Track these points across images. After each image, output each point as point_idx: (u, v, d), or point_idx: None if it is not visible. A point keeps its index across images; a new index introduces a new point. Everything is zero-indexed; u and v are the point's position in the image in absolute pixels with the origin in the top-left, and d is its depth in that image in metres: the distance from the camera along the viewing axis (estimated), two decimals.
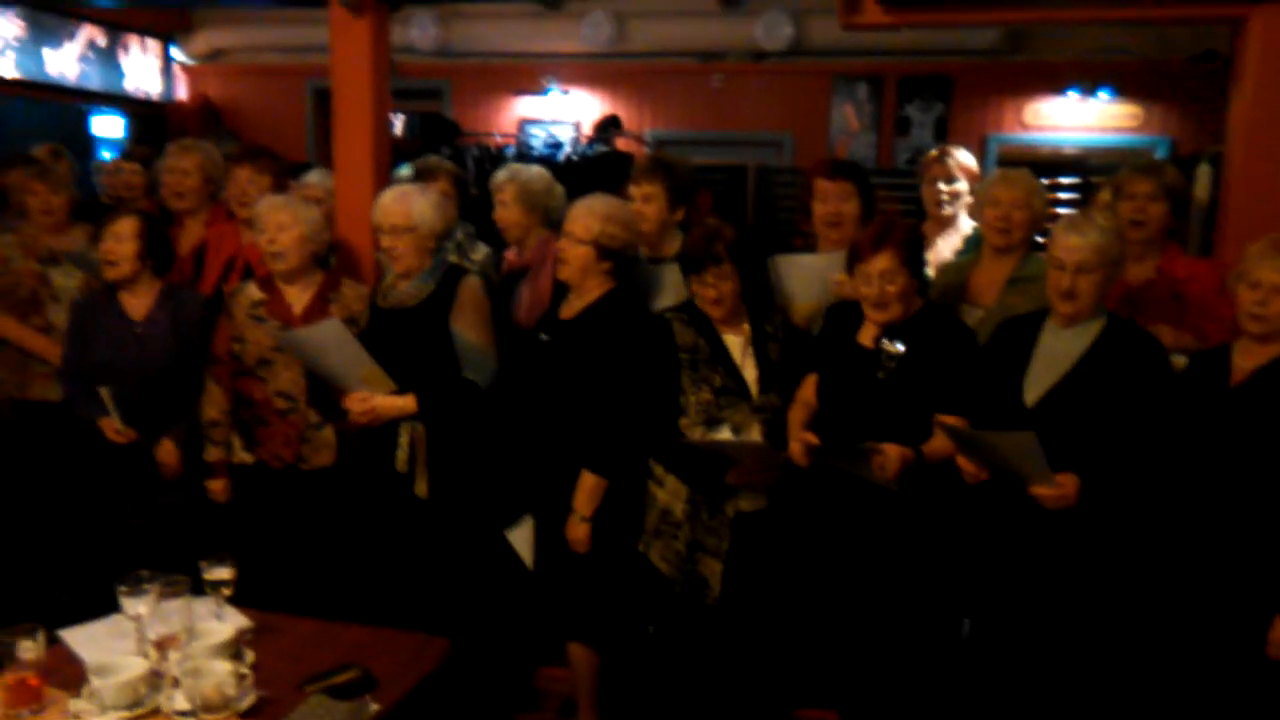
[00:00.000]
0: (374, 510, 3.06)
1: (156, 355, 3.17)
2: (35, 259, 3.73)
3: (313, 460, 3.08)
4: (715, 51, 7.60)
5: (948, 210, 3.35)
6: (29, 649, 1.84)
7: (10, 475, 3.60)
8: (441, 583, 2.99)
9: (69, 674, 1.95)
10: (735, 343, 2.73)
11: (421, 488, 2.95)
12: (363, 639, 2.19)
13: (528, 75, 7.95)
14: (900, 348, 2.54)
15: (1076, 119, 7.26)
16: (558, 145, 7.40)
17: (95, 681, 1.84)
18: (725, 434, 2.60)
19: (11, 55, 6.74)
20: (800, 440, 2.53)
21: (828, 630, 2.70)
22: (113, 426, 3.12)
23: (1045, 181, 3.04)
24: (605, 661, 2.94)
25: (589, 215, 2.78)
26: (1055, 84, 7.19)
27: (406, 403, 2.91)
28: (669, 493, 2.73)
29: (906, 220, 2.98)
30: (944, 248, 3.34)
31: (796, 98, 7.57)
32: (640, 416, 2.73)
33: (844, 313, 2.70)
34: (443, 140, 7.23)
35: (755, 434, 2.63)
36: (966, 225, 3.34)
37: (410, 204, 2.94)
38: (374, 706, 1.89)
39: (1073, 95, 7.16)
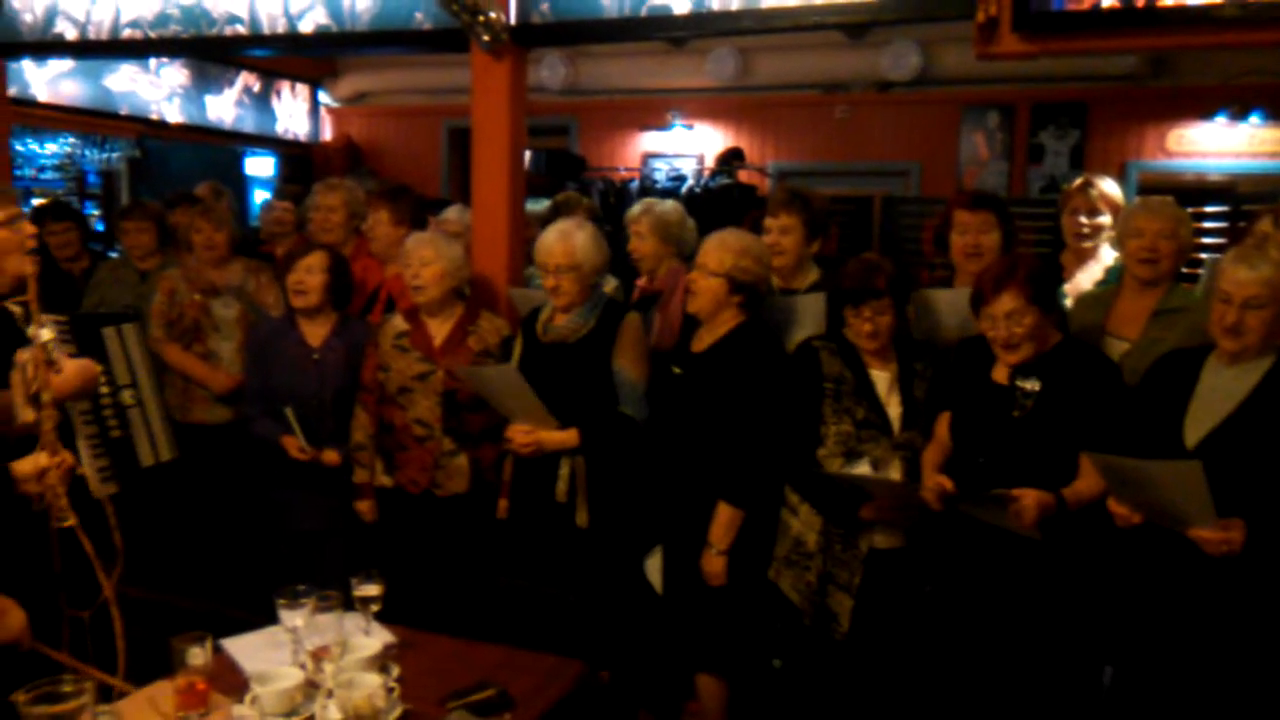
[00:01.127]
0: (518, 536, 3.13)
1: (332, 380, 3.34)
2: (199, 291, 4.00)
3: (447, 486, 3.19)
4: (840, 83, 7.58)
5: (1088, 244, 3.25)
6: (198, 655, 1.94)
7: (173, 492, 3.83)
8: (590, 608, 3.04)
9: (231, 681, 2.06)
10: (882, 378, 2.70)
11: (582, 518, 3.00)
12: (500, 659, 2.23)
13: (652, 110, 8.10)
14: (1036, 385, 2.47)
15: (1224, 144, 6.93)
16: (681, 178, 7.49)
17: (256, 689, 1.93)
18: (864, 468, 2.57)
19: (177, 102, 7.29)
20: (933, 485, 2.48)
21: (961, 674, 2.62)
22: (296, 445, 3.27)
23: (1190, 210, 2.91)
24: (734, 693, 2.93)
25: (721, 249, 2.80)
26: (1201, 109, 6.88)
27: (569, 437, 2.96)
28: (802, 522, 2.72)
29: (1031, 255, 2.90)
30: (1084, 280, 3.24)
31: (924, 127, 7.47)
32: (776, 449, 2.72)
33: (976, 348, 2.62)
34: (568, 175, 7.42)
35: (895, 471, 2.60)
36: (1108, 256, 3.22)
37: (573, 243, 2.98)
38: None
39: (1220, 120, 6.85)
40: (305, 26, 3.98)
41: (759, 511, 2.77)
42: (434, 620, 2.46)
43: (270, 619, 2.28)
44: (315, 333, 3.41)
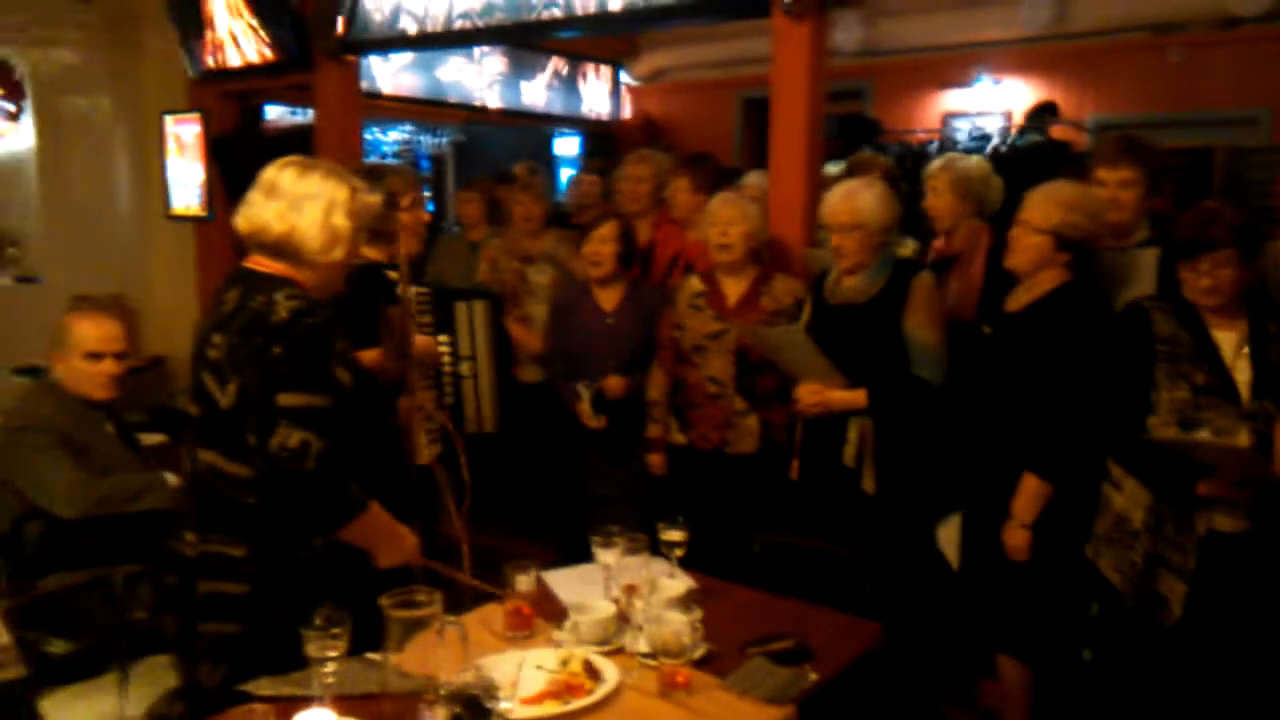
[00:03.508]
0: (806, 498, 3.13)
1: (625, 342, 3.55)
2: (517, 259, 4.35)
3: (737, 445, 3.26)
4: (1174, 23, 6.81)
5: None
6: (524, 582, 2.16)
7: (498, 446, 4.20)
8: (885, 574, 3.01)
9: (550, 609, 2.25)
10: (1227, 339, 2.42)
11: (869, 483, 2.97)
12: (798, 612, 2.27)
13: (954, 67, 7.70)
14: None
15: None
16: (985, 138, 7.07)
17: (575, 617, 2.09)
18: (1204, 436, 2.33)
19: (496, 89, 7.88)
20: None
21: None
22: (587, 414, 3.54)
23: None
24: (1040, 679, 2.77)
25: (1049, 202, 2.63)
26: None
27: (857, 397, 2.94)
28: (1127, 498, 2.50)
29: None
30: None
31: (1277, 68, 6.54)
32: (1096, 421, 2.53)
33: None
34: (863, 139, 7.24)
35: (1241, 442, 2.32)
36: None
37: (857, 201, 2.96)
38: (812, 676, 1.96)
39: None
40: (614, 4, 4.16)
41: (1073, 485, 2.59)
42: (722, 573, 2.52)
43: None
44: (609, 298, 3.61)
